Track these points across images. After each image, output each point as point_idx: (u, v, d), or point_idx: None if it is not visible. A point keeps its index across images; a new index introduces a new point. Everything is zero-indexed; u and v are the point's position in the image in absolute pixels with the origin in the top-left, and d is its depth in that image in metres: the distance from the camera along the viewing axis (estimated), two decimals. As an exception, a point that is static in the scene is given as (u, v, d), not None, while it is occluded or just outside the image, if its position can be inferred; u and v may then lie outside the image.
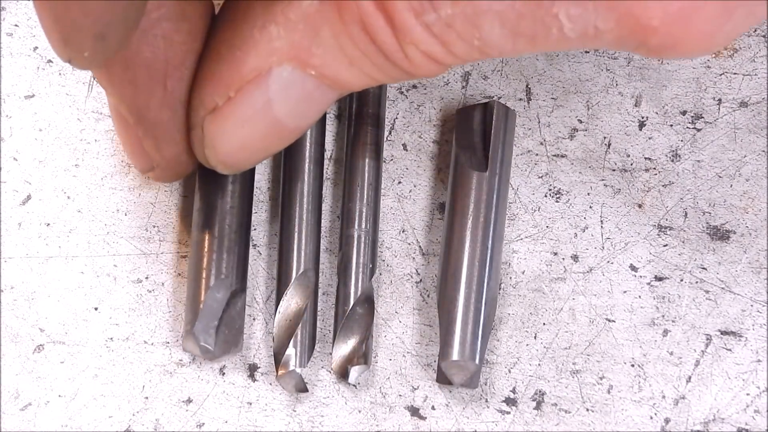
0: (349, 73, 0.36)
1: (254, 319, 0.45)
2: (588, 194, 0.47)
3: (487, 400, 0.45)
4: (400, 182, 0.47)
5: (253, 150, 0.39)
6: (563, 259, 0.46)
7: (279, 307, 0.44)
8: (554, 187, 0.47)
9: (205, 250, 0.43)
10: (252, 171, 0.45)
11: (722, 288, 0.46)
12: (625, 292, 0.46)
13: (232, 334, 0.43)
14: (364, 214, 0.45)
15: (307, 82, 0.37)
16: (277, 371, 0.44)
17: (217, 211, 0.43)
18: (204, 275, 0.43)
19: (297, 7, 0.36)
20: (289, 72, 0.37)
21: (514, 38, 0.34)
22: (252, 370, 0.45)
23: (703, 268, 0.46)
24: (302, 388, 0.44)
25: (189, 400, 0.44)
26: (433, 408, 0.45)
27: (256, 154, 0.40)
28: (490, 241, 0.44)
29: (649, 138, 0.48)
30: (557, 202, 0.47)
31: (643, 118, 0.48)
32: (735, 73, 0.49)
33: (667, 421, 0.44)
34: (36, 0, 0.33)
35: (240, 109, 0.38)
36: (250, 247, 0.45)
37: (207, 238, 0.43)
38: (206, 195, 0.44)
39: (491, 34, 0.34)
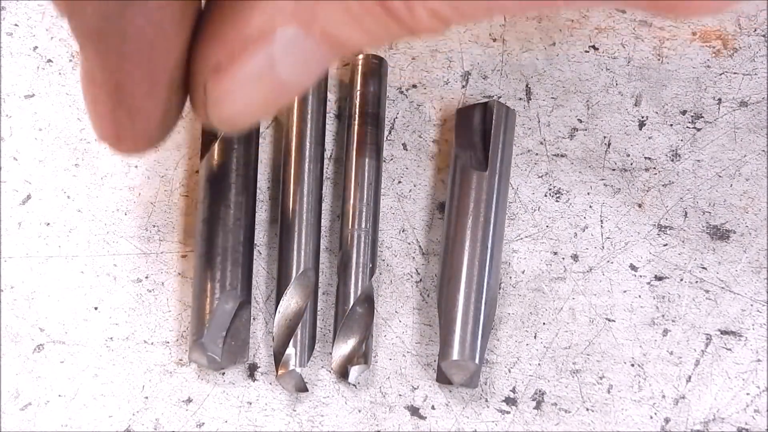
0: (352, 32, 0.36)
1: (254, 318, 0.45)
2: (588, 194, 0.47)
3: (487, 400, 0.45)
4: (400, 182, 0.47)
5: (255, 109, 0.39)
6: (563, 258, 0.46)
7: (279, 306, 0.44)
8: (554, 187, 0.47)
9: (212, 261, 0.43)
10: (255, 181, 0.45)
11: (722, 288, 0.46)
12: (625, 291, 0.46)
13: (237, 345, 0.43)
14: (364, 213, 0.45)
15: (310, 42, 0.37)
16: (277, 371, 0.44)
17: (221, 222, 0.44)
18: (210, 286, 0.43)
19: None
20: (293, 32, 0.37)
21: None
22: (252, 369, 0.45)
23: (703, 268, 0.46)
24: (302, 387, 0.44)
25: (189, 400, 0.44)
26: (433, 408, 0.45)
27: (258, 113, 0.40)
28: (490, 241, 0.44)
29: (649, 138, 0.48)
30: (557, 201, 0.47)
31: (643, 117, 0.48)
32: (735, 73, 0.48)
33: (667, 420, 0.44)
34: None
35: (244, 69, 0.38)
36: (250, 246, 0.45)
37: (213, 249, 0.43)
38: (211, 206, 0.44)
39: None
